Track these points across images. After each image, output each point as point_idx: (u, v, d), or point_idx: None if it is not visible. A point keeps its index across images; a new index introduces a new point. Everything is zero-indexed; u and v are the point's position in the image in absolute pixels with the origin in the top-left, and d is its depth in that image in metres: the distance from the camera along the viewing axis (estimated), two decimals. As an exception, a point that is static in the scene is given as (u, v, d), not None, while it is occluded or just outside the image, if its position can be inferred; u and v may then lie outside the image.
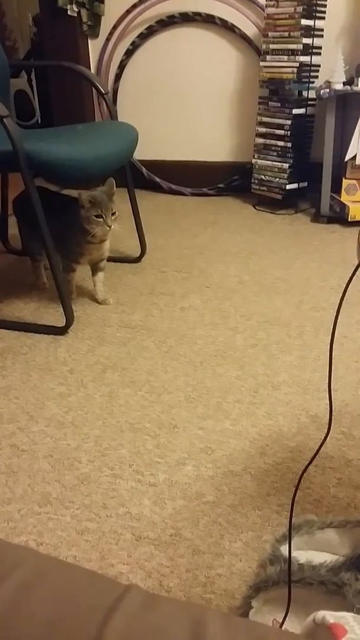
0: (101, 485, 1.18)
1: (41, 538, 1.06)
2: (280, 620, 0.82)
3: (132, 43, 3.19)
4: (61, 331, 1.79)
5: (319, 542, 0.95)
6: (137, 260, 2.35)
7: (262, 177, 2.93)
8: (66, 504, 1.13)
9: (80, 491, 1.16)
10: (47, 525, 1.08)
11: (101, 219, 1.80)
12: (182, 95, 3.22)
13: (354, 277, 0.78)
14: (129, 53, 3.22)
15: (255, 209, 2.98)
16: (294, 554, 0.90)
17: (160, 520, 1.09)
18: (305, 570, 0.85)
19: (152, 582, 0.97)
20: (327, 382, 1.26)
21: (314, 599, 0.84)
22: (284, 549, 0.92)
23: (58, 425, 1.36)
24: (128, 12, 3.12)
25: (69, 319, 1.79)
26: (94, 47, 3.29)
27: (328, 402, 1.19)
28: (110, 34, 3.20)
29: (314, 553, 0.95)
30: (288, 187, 2.84)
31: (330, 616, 0.44)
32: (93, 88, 2.40)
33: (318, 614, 0.48)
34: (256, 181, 2.97)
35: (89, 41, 3.27)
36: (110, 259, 2.35)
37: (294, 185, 2.86)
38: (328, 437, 1.28)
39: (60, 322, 1.80)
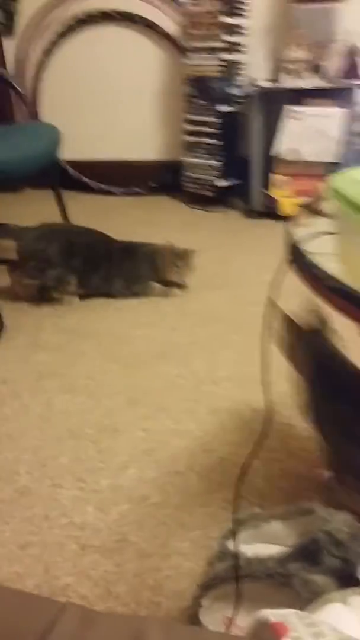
0: (42, 497, 1.14)
1: (-19, 556, 1.01)
2: (231, 617, 0.81)
3: (52, 42, 3.13)
4: (-7, 339, 1.72)
5: (266, 535, 0.95)
6: (70, 262, 2.30)
7: (193, 174, 2.94)
8: (6, 519, 1.09)
9: (21, 504, 1.12)
10: (-13, 543, 1.04)
11: None
12: (106, 94, 3.19)
13: (284, 270, 0.78)
14: (48, 52, 3.15)
15: (188, 207, 2.99)
16: (241, 548, 0.90)
17: (105, 526, 1.07)
18: (253, 564, 0.84)
19: (100, 591, 0.94)
20: (263, 375, 1.27)
21: (263, 592, 0.84)
22: (231, 545, 0.92)
23: (-6, 437, 1.31)
24: (45, 10, 3.05)
25: None
26: (10, 46, 3.19)
27: (268, 395, 1.20)
28: (28, 33, 3.12)
29: (261, 546, 0.95)
30: (219, 184, 2.86)
31: (272, 615, 0.43)
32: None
33: (261, 613, 0.47)
34: (187, 179, 2.97)
35: (5, 41, 3.18)
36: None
37: (225, 182, 2.89)
38: (270, 429, 1.29)
39: (-8, 329, 1.74)
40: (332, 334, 1.06)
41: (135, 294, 2.00)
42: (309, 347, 1.04)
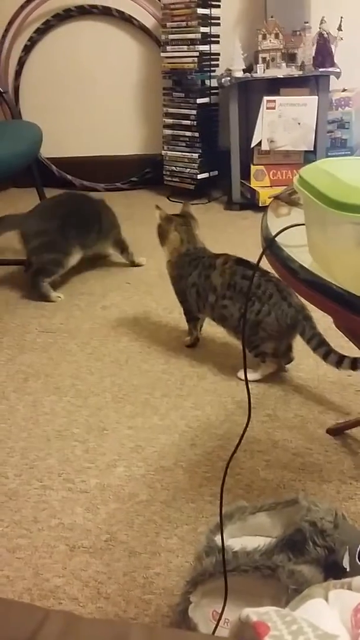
0: (31, 499, 1.14)
1: (-30, 562, 1.01)
2: (220, 611, 0.82)
3: (30, 39, 3.10)
4: (-23, 343, 1.72)
5: (252, 527, 0.96)
6: (54, 261, 2.29)
7: (174, 168, 2.93)
8: (-6, 522, 1.09)
9: (9, 507, 1.12)
10: (-24, 548, 1.04)
11: None
12: (86, 90, 3.16)
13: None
14: (27, 49, 3.12)
15: (170, 200, 2.98)
16: (228, 542, 0.90)
17: (94, 526, 1.07)
18: (240, 557, 0.85)
19: (90, 591, 0.95)
20: (244, 370, 1.27)
21: (250, 585, 0.84)
22: (219, 539, 0.92)
23: (-20, 441, 1.31)
24: (22, 7, 3.02)
25: (-15, 329, 1.72)
26: (-11, 44, 3.16)
27: (248, 387, 1.21)
28: (6, 30, 3.09)
29: (248, 538, 0.96)
30: (199, 176, 2.86)
31: (253, 614, 0.44)
32: (-10, 87, 2.31)
33: (243, 612, 0.47)
34: (168, 173, 2.97)
35: (-16, 39, 3.15)
36: (24, 262, 2.27)
37: (205, 175, 2.88)
38: (254, 421, 1.30)
39: (-24, 333, 1.73)
40: (192, 222, 1.63)
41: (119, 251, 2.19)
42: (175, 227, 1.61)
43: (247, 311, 1.39)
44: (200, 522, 1.05)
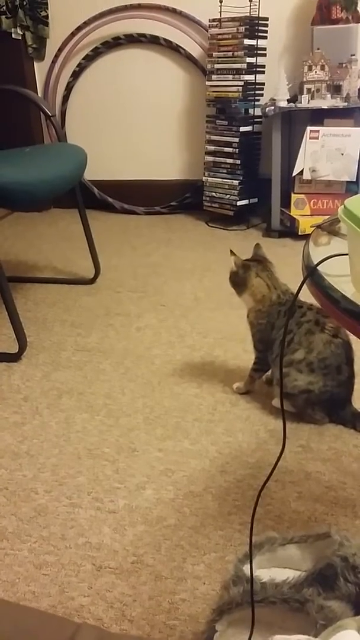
0: (59, 516, 1.14)
1: (-3, 575, 1.02)
2: (246, 643, 0.80)
3: (79, 65, 3.20)
4: (14, 358, 1.75)
5: (281, 559, 0.94)
6: (92, 281, 2.33)
7: (213, 194, 2.96)
8: (23, 537, 1.09)
9: (38, 523, 1.13)
10: (4, 562, 1.04)
11: None
12: (131, 115, 3.24)
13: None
14: (75, 75, 3.22)
15: (208, 225, 3.00)
16: (257, 572, 0.89)
17: (121, 547, 1.06)
18: (268, 589, 0.84)
19: (114, 613, 0.94)
20: (281, 399, 1.26)
21: (278, 617, 0.83)
22: (247, 569, 0.91)
23: (13, 455, 1.32)
24: (73, 34, 3.13)
25: (22, 344, 1.75)
26: (40, 69, 3.27)
27: (284, 416, 1.20)
28: (56, 56, 3.20)
29: (277, 570, 0.94)
30: (239, 203, 2.88)
31: (284, 641, 0.43)
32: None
33: (274, 638, 0.47)
34: (208, 198, 3.00)
35: (35, 64, 3.26)
36: (63, 281, 2.32)
37: (245, 202, 2.90)
38: (287, 451, 1.28)
39: (13, 348, 1.76)
40: (271, 266, 1.52)
41: None
42: (255, 273, 1.50)
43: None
44: (228, 550, 1.04)
